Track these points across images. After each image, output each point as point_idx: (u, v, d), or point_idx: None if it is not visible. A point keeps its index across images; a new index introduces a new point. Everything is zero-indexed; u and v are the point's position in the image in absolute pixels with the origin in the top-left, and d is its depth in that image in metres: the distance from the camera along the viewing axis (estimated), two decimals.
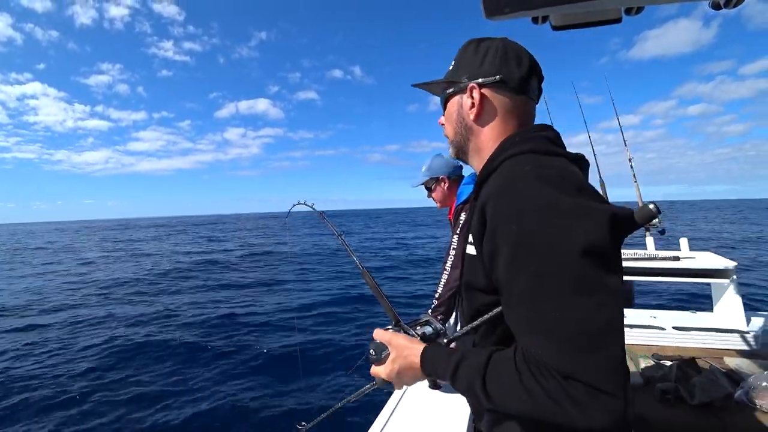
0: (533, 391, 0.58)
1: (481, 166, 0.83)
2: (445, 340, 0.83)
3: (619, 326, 0.59)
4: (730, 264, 2.57)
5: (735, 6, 0.79)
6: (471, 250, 0.78)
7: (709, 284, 2.81)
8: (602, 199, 0.64)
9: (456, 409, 1.50)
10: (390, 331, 0.88)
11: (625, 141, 3.71)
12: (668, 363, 2.07)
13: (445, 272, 2.15)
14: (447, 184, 2.36)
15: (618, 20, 0.89)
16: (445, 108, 0.91)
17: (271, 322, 7.15)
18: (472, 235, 0.75)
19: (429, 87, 0.96)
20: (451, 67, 0.88)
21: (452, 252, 2.16)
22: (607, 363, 0.56)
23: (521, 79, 0.82)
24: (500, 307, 0.72)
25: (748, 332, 2.48)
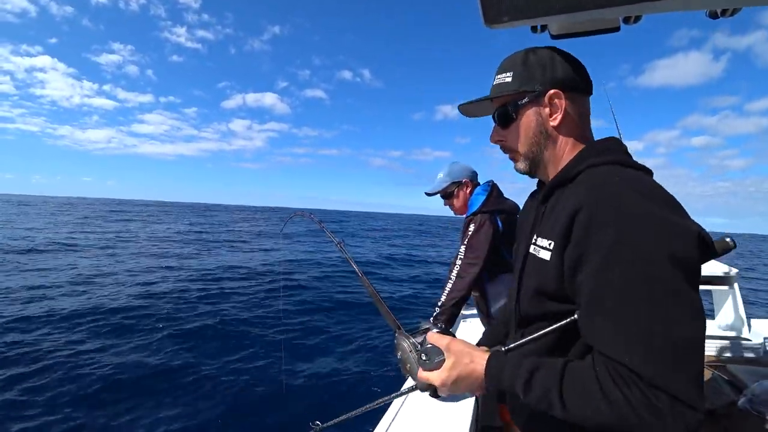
0: (615, 401, 0.58)
1: (553, 175, 0.83)
2: (504, 349, 0.79)
3: (703, 342, 0.60)
4: (732, 271, 2.57)
5: (731, 15, 0.80)
6: (544, 254, 0.77)
7: (710, 291, 2.81)
8: (689, 217, 0.65)
9: (457, 413, 1.49)
10: (446, 336, 0.85)
11: None
12: None
13: (450, 280, 2.12)
14: (469, 188, 2.30)
15: (616, 29, 0.90)
16: (508, 122, 0.87)
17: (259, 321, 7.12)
18: (550, 241, 0.75)
19: (477, 108, 0.94)
20: (509, 80, 0.85)
21: (459, 261, 2.12)
22: (693, 376, 0.57)
23: (588, 80, 0.84)
24: (571, 318, 0.71)
25: (750, 339, 2.47)
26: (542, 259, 0.77)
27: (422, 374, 0.84)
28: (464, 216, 2.33)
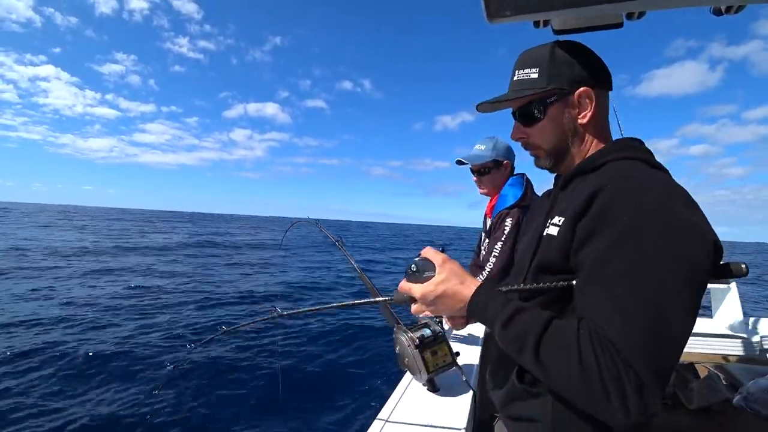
0: (587, 363, 0.58)
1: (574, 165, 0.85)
2: (501, 288, 0.78)
3: (685, 342, 0.60)
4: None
5: (736, 12, 0.79)
6: (552, 230, 0.77)
7: (708, 289, 2.82)
8: (709, 223, 0.65)
9: (455, 407, 1.50)
10: (443, 254, 0.82)
11: None
12: None
13: (481, 277, 1.98)
14: (507, 171, 2.10)
15: (619, 24, 0.89)
16: (533, 120, 0.86)
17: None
18: (563, 217, 0.75)
19: (499, 105, 0.90)
20: (535, 76, 0.83)
21: (493, 259, 1.96)
22: (667, 368, 0.59)
23: (610, 77, 0.85)
24: (568, 282, 0.71)
25: (746, 338, 2.48)
26: (551, 235, 0.78)
27: (404, 284, 0.82)
28: (487, 198, 2.17)
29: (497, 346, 0.95)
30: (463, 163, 2.15)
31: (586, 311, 0.65)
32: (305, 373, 5.03)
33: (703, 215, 0.66)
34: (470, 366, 1.89)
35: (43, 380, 4.38)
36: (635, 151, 0.79)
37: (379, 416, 1.45)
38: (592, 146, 0.85)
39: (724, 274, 0.75)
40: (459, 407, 1.49)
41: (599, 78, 0.83)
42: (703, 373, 1.95)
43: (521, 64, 0.86)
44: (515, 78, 0.87)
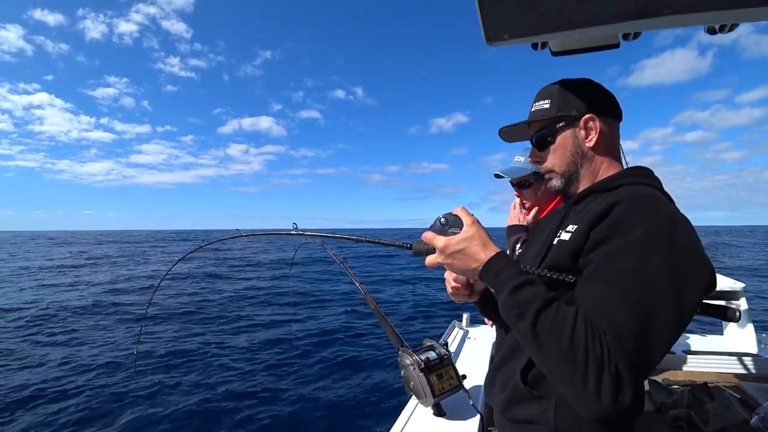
0: (577, 343, 0.63)
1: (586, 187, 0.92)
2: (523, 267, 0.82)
3: (665, 353, 0.66)
4: (739, 285, 2.54)
5: (729, 31, 0.81)
6: (564, 237, 0.83)
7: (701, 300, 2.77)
8: (707, 256, 0.71)
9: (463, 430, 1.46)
10: (472, 215, 0.85)
11: (627, 164, 3.69)
12: (680, 388, 2.01)
13: None
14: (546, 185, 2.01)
15: (616, 45, 0.91)
16: (545, 145, 0.95)
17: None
18: (576, 226, 0.80)
19: (517, 130, 1.02)
20: (546, 106, 0.93)
21: None
22: (645, 370, 0.64)
23: (619, 108, 0.93)
24: (573, 278, 0.77)
25: (761, 355, 2.42)
26: (562, 240, 0.83)
27: (429, 234, 0.84)
28: (529, 215, 2.06)
29: (501, 349, 1.01)
30: (502, 177, 2.08)
31: (585, 300, 0.70)
32: (306, 397, 4.93)
33: (703, 247, 0.71)
34: (477, 389, 1.85)
35: None
36: (648, 178, 0.85)
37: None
38: (602, 169, 0.91)
39: (719, 313, 0.84)
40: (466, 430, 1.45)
41: (605, 107, 0.90)
42: (717, 392, 1.89)
43: (537, 98, 0.96)
44: (532, 110, 0.97)
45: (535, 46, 0.89)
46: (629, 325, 0.63)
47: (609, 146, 0.91)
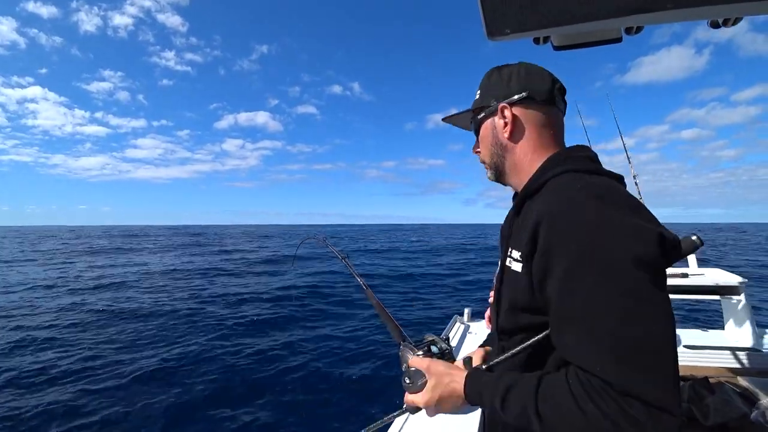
0: (590, 414, 0.58)
1: (521, 184, 0.85)
2: (484, 366, 0.81)
3: (672, 343, 0.59)
4: (740, 280, 2.54)
5: (733, 24, 0.80)
6: (516, 266, 0.77)
7: (718, 302, 2.77)
8: (651, 217, 0.65)
9: (466, 421, 1.47)
10: (426, 358, 0.87)
11: (629, 158, 3.67)
12: (680, 383, 2.02)
13: None
14: None
15: (618, 39, 0.90)
16: (476, 135, 0.94)
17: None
18: (520, 252, 0.75)
19: (458, 120, 1.00)
20: (477, 96, 0.92)
21: None
22: (665, 380, 0.57)
23: (548, 91, 0.84)
24: (545, 332, 0.71)
25: (761, 349, 2.43)
26: (515, 271, 0.77)
27: (408, 397, 0.86)
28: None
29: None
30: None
31: (567, 354, 0.65)
32: (307, 390, 4.96)
33: (645, 212, 0.65)
34: None
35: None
36: (571, 162, 0.77)
37: (391, 429, 1.42)
38: (528, 160, 0.85)
39: (677, 256, 0.72)
40: (468, 427, 1.46)
41: (529, 93, 0.83)
42: (717, 387, 1.90)
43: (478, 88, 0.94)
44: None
45: (537, 40, 0.89)
46: (624, 359, 0.57)
47: (533, 135, 0.84)
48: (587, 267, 0.61)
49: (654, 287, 0.59)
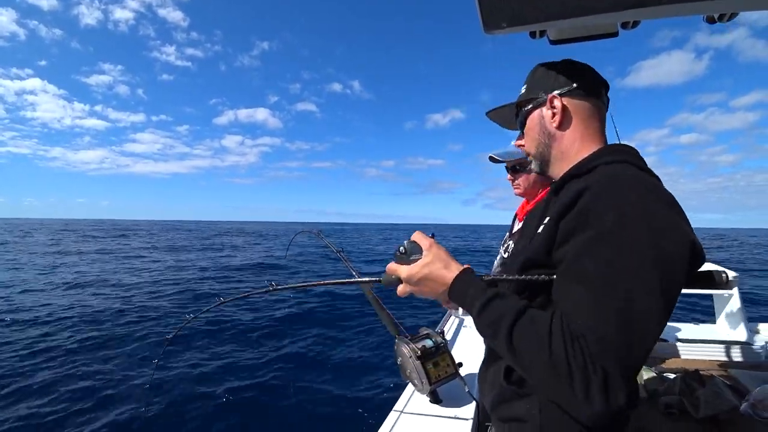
0: (556, 353, 0.60)
1: (567, 169, 0.86)
2: (486, 278, 0.80)
3: (655, 340, 0.63)
4: (732, 274, 2.57)
5: (729, 20, 0.80)
6: (541, 229, 0.80)
7: (710, 295, 2.80)
8: (689, 225, 0.67)
9: (458, 424, 1.48)
10: (430, 238, 0.85)
11: None
12: (672, 375, 2.04)
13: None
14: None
15: (615, 34, 0.90)
16: (522, 128, 0.97)
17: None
18: (552, 213, 0.77)
19: (501, 114, 1.04)
20: (523, 91, 0.95)
21: None
22: (634, 365, 0.60)
23: (593, 83, 0.88)
24: (550, 277, 0.73)
25: (751, 343, 2.46)
26: (539, 232, 0.80)
27: (392, 266, 0.85)
28: (522, 199, 2.03)
29: (487, 347, 1.00)
30: (497, 161, 2.02)
31: (561, 303, 0.67)
32: (301, 385, 4.98)
33: (685, 217, 0.68)
34: (473, 376, 1.87)
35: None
36: (625, 155, 0.80)
37: (380, 429, 1.43)
38: (575, 149, 0.87)
39: (706, 283, 0.77)
40: (462, 419, 1.47)
41: (575, 84, 0.87)
42: (708, 380, 1.93)
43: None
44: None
45: (533, 34, 0.88)
46: (610, 323, 0.59)
47: (580, 124, 0.87)
48: (617, 241, 0.63)
49: (668, 285, 0.62)
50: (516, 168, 1.97)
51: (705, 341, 2.51)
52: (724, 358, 2.40)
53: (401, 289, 0.84)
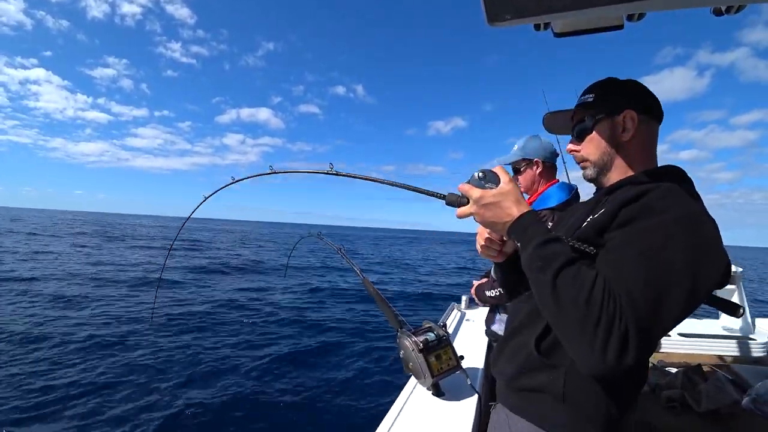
0: (593, 299, 0.67)
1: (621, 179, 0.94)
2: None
3: (668, 329, 0.71)
4: (736, 270, 2.56)
5: (736, 12, 0.79)
6: (590, 217, 0.88)
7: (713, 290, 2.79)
8: (725, 250, 0.75)
9: (460, 416, 1.49)
10: (509, 174, 0.89)
11: None
12: (674, 370, 2.05)
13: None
14: (540, 169, 2.05)
15: (620, 27, 0.89)
16: (584, 134, 0.99)
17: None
18: (612, 204, 0.82)
19: (559, 118, 1.08)
20: (590, 99, 0.97)
21: None
22: (651, 337, 0.67)
23: (660, 110, 0.95)
24: (595, 249, 0.80)
25: (753, 339, 2.46)
26: (593, 218, 0.86)
27: (465, 186, 0.88)
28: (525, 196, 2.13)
29: (515, 320, 1.04)
30: (505, 164, 2.12)
31: (606, 268, 0.73)
32: (306, 378, 5.02)
33: (723, 246, 0.75)
34: (475, 369, 1.88)
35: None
36: (683, 179, 0.88)
37: (383, 422, 1.44)
38: (635, 164, 0.93)
39: (725, 307, 0.89)
40: (464, 411, 1.48)
41: (646, 106, 0.93)
42: (710, 374, 1.93)
43: (583, 92, 1.01)
44: (577, 103, 1.02)
45: (537, 26, 0.87)
46: (644, 294, 0.67)
47: (645, 144, 0.94)
48: (671, 236, 0.71)
49: (697, 288, 0.69)
50: (515, 169, 2.09)
51: (707, 336, 2.51)
52: (726, 353, 2.40)
53: (465, 210, 0.87)
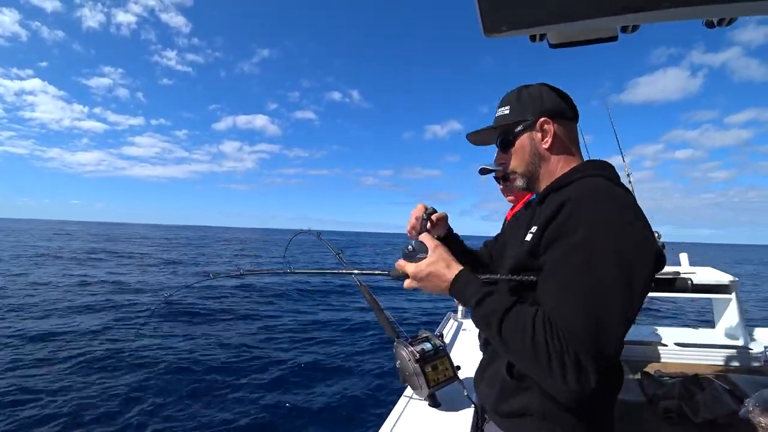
0: (538, 342, 0.71)
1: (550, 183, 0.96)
2: (482, 278, 0.90)
3: (623, 332, 0.72)
4: (731, 279, 2.56)
5: (728, 25, 0.80)
6: (528, 237, 0.89)
7: (710, 300, 2.80)
8: (651, 229, 0.77)
9: (456, 428, 1.47)
10: (436, 240, 0.95)
11: (629, 174, 3.24)
12: (671, 380, 2.04)
13: None
14: None
15: (614, 38, 0.90)
16: (507, 147, 1.02)
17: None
18: (539, 223, 0.85)
19: (482, 135, 1.07)
20: (506, 113, 1.00)
21: None
22: (602, 352, 0.69)
23: (574, 108, 0.98)
24: (535, 277, 0.83)
25: (750, 348, 2.46)
26: (526, 241, 0.89)
27: (401, 262, 0.95)
28: (511, 204, 2.15)
29: (488, 348, 1.08)
30: (489, 171, 2.14)
31: (544, 300, 0.78)
32: (302, 388, 4.97)
33: (648, 225, 0.78)
34: (472, 380, 1.87)
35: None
36: (601, 170, 0.90)
37: (380, 430, 1.43)
38: (559, 168, 0.96)
39: (669, 287, 0.88)
40: (461, 423, 1.47)
41: (561, 110, 0.96)
42: (707, 384, 1.93)
43: (500, 104, 1.03)
44: (496, 115, 1.04)
45: (533, 38, 0.89)
46: (583, 320, 0.69)
47: (565, 146, 0.96)
48: (592, 248, 0.73)
49: (632, 288, 0.71)
50: (506, 177, 2.03)
51: (704, 345, 2.51)
52: (723, 363, 2.40)
53: (407, 283, 0.94)
